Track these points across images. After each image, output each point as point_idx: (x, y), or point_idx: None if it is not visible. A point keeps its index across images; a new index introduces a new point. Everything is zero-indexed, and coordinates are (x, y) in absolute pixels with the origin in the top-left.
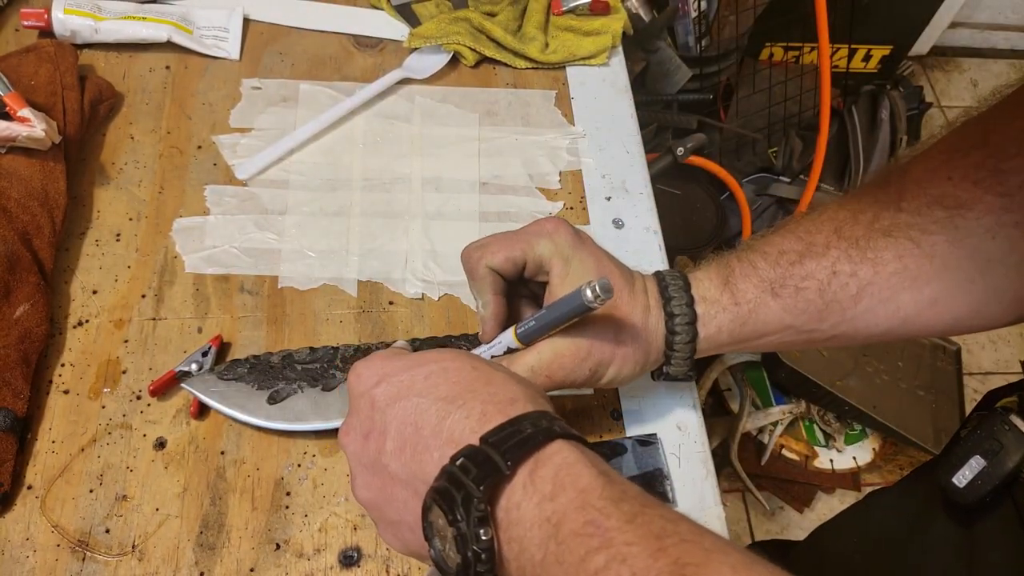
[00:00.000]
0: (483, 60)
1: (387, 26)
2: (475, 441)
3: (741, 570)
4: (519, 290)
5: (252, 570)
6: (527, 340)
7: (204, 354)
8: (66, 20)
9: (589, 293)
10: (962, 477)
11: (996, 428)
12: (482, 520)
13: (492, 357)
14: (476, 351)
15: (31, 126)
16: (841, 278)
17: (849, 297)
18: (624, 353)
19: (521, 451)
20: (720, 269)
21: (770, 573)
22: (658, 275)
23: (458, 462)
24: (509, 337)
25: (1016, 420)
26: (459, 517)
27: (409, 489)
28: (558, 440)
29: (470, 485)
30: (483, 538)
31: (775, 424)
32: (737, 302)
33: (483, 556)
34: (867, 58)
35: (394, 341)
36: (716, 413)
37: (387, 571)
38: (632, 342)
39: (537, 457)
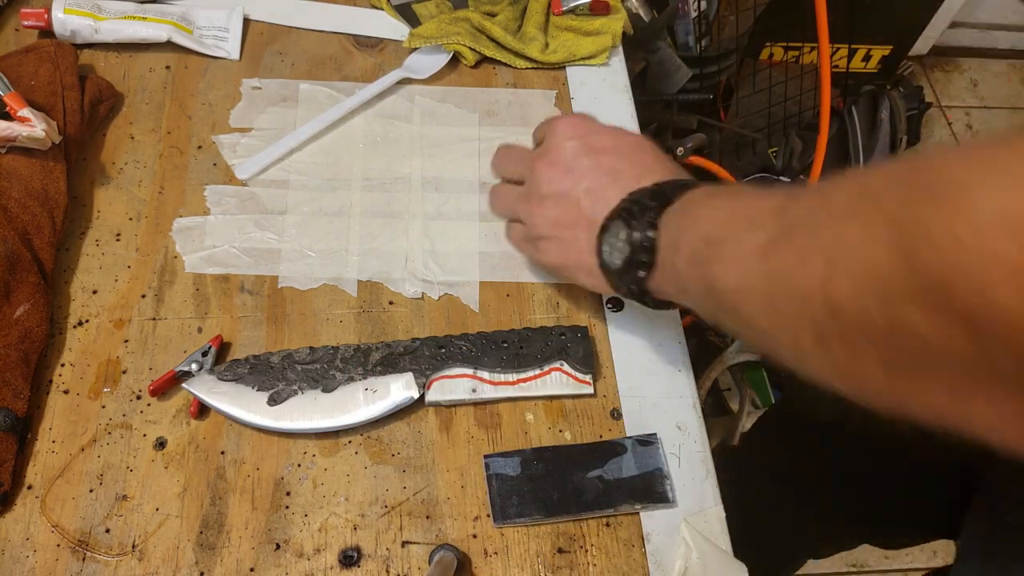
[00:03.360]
0: (483, 60)
1: (387, 26)
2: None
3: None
4: None
5: (252, 570)
6: None
7: (204, 354)
8: (66, 20)
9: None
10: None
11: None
12: (651, 225)
13: None
14: None
15: (31, 126)
16: None
17: None
18: None
19: (684, 186)
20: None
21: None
22: None
23: (642, 193)
24: None
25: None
26: (634, 223)
27: (589, 219)
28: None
29: (647, 200)
30: (649, 235)
31: None
32: None
33: (646, 245)
34: (867, 58)
35: (395, 341)
36: (716, 413)
37: (387, 571)
38: None
39: (696, 188)
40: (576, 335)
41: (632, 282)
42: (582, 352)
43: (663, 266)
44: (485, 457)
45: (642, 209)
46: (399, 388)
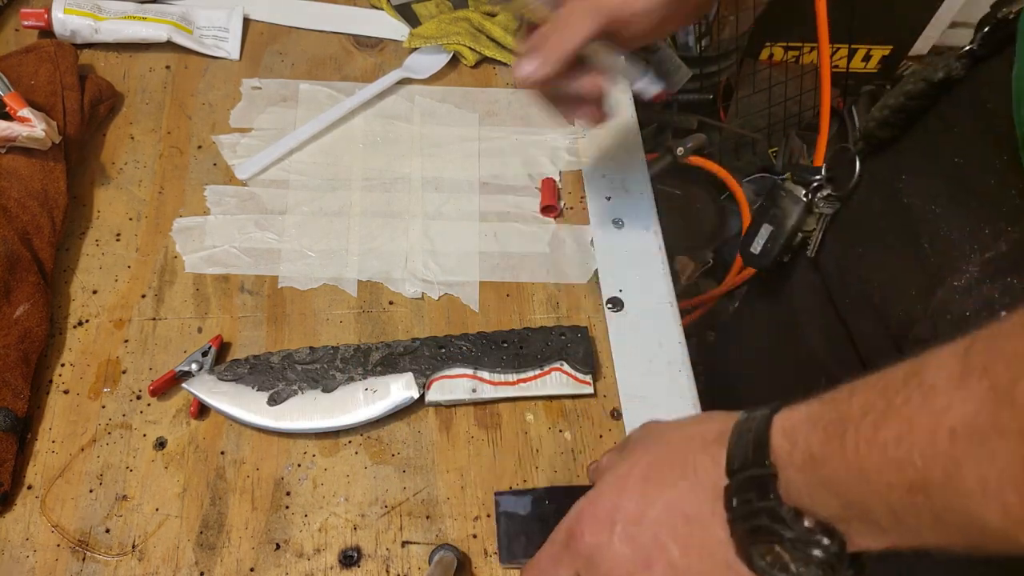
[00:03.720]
0: (483, 60)
1: (387, 26)
2: (725, 479)
3: (974, 336)
4: None
5: (252, 570)
6: None
7: (204, 354)
8: (66, 20)
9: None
10: (756, 245)
11: (776, 196)
12: (796, 514)
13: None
14: None
15: (31, 126)
16: None
17: None
18: None
19: (764, 449)
20: None
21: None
22: None
23: (735, 505)
24: None
25: (790, 185)
26: (781, 533)
27: (721, 569)
28: (776, 415)
29: (762, 504)
30: (809, 525)
31: None
32: None
33: (825, 537)
34: (867, 58)
35: (395, 341)
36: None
37: (387, 571)
38: None
39: (772, 440)
40: (576, 335)
41: (848, 573)
42: (582, 352)
43: (856, 536)
44: (496, 495)
45: (765, 514)
46: (399, 388)
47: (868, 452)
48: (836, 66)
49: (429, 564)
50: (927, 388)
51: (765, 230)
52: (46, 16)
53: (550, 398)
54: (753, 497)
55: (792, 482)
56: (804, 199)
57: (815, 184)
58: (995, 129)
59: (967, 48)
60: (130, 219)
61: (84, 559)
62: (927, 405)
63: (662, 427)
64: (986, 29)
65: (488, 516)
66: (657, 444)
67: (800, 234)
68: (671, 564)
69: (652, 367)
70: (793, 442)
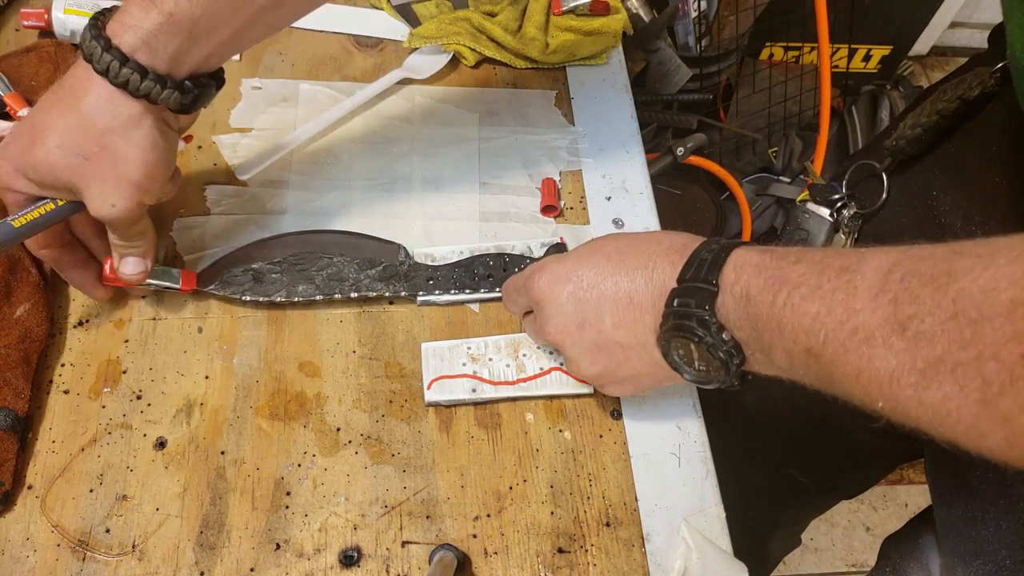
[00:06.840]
0: (483, 60)
1: (387, 26)
2: (674, 283)
3: (898, 259)
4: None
5: (252, 570)
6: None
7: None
8: (66, 20)
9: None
10: None
11: (800, 219)
12: (720, 328)
13: None
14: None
15: None
16: None
17: None
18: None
19: (715, 272)
20: None
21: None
22: None
23: (675, 305)
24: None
25: (812, 207)
26: (702, 336)
27: (637, 348)
28: (735, 250)
29: (696, 310)
30: (726, 339)
31: None
32: None
33: (734, 351)
34: (867, 58)
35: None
36: None
37: (387, 571)
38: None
39: (724, 268)
40: None
41: (733, 381)
42: None
43: (752, 360)
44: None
45: (695, 318)
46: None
47: (790, 314)
48: (836, 66)
49: (429, 564)
50: (851, 288)
51: None
52: (46, 16)
53: (550, 398)
54: (691, 303)
55: (725, 304)
56: (830, 219)
57: (839, 203)
58: None
59: (1001, 64)
60: None
61: (84, 559)
62: (847, 302)
63: (629, 234)
64: None
65: (488, 516)
66: (628, 237)
67: None
68: (600, 331)
69: None
70: (738, 277)
